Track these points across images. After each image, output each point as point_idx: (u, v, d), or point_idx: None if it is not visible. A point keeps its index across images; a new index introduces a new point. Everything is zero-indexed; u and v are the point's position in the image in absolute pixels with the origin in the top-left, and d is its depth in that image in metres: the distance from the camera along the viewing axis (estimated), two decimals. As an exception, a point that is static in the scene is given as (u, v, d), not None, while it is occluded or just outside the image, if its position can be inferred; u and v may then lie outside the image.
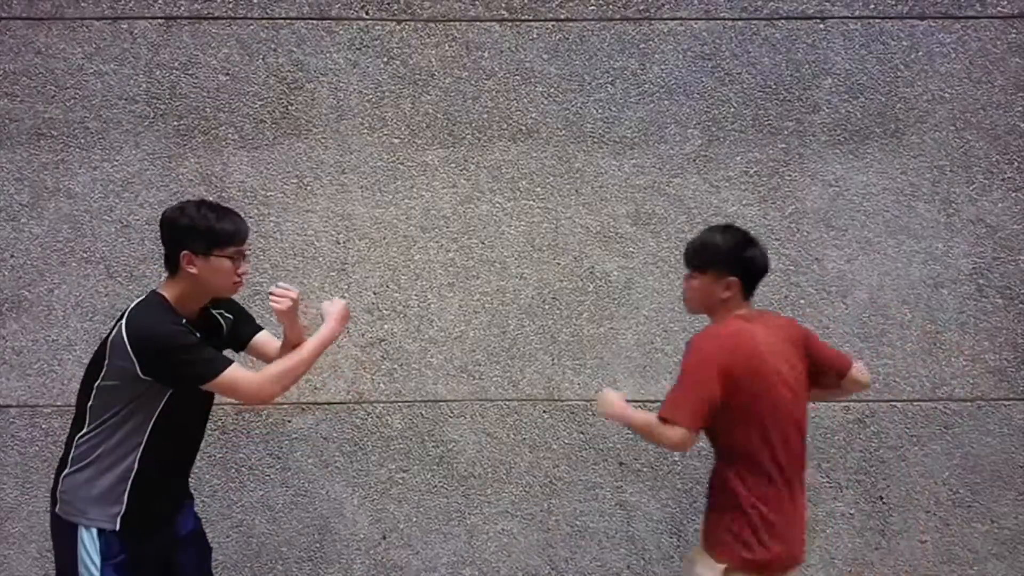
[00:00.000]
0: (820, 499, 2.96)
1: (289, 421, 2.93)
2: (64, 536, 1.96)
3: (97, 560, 1.92)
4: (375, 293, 2.94)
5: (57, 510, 1.97)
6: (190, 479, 2.18)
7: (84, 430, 1.94)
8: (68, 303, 2.89)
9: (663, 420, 1.98)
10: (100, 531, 1.93)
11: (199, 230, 1.91)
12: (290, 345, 2.11)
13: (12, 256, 2.89)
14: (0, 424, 2.89)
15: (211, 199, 2.01)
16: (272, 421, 2.92)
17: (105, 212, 2.89)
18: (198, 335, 1.96)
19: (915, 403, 2.96)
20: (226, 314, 2.16)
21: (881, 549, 2.98)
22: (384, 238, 2.94)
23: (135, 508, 1.94)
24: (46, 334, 2.89)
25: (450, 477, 2.95)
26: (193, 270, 1.93)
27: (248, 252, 2.02)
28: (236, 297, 2.14)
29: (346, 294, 2.93)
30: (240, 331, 2.21)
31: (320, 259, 2.93)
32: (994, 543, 2.98)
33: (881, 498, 2.97)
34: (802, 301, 2.95)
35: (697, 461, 2.96)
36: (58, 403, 2.88)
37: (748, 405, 1.97)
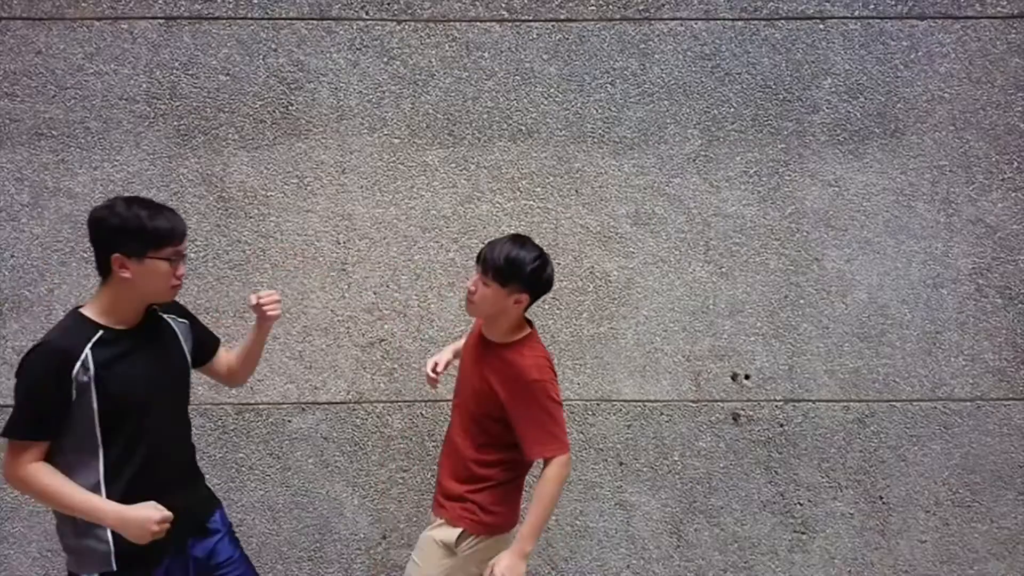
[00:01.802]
0: (820, 499, 2.97)
1: (289, 421, 2.93)
2: None
3: None
4: (375, 293, 2.94)
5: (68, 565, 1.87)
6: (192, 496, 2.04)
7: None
8: (68, 303, 2.89)
9: (553, 458, 2.07)
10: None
11: (131, 230, 1.76)
12: (250, 349, 2.10)
13: (12, 256, 2.89)
14: (0, 424, 2.88)
15: (142, 197, 1.86)
16: (272, 421, 2.92)
17: (105, 212, 2.89)
18: (65, 390, 1.75)
19: (915, 403, 2.96)
20: (179, 319, 2.04)
21: (881, 549, 2.98)
22: (384, 238, 2.94)
23: (124, 543, 1.80)
24: (46, 334, 2.89)
25: (450, 477, 2.95)
26: (126, 274, 1.79)
27: (186, 252, 1.88)
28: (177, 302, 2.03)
29: (346, 294, 2.93)
30: (204, 343, 2.12)
31: (320, 259, 2.93)
32: (994, 543, 2.98)
33: (881, 498, 2.97)
34: (802, 301, 2.96)
35: (697, 461, 2.97)
36: (58, 403, 2.88)
37: None
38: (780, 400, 2.96)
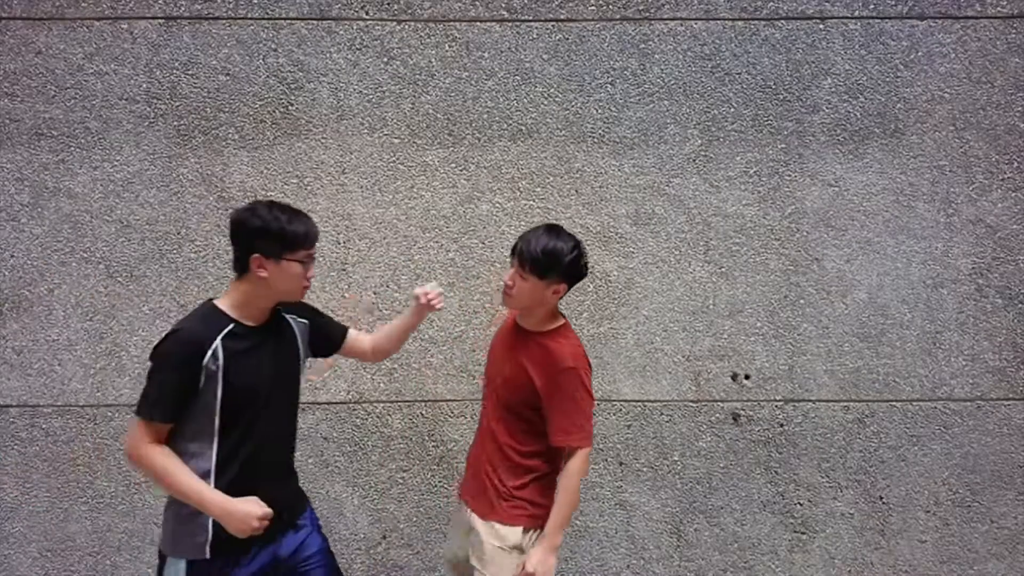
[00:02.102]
0: (820, 499, 2.97)
1: (289, 421, 2.93)
2: (158, 566, 1.93)
3: None
4: (375, 293, 2.94)
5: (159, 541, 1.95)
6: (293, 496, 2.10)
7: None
8: (68, 303, 2.89)
9: (576, 450, 2.09)
10: (190, 563, 1.88)
11: (271, 233, 1.86)
12: (404, 330, 2.25)
13: (12, 256, 2.89)
14: (0, 424, 2.89)
15: (281, 202, 1.95)
16: (272, 421, 2.92)
17: (105, 212, 2.89)
18: (193, 376, 1.84)
19: (915, 403, 2.96)
20: (299, 319, 2.10)
21: (881, 549, 2.98)
22: (384, 238, 2.94)
23: (223, 534, 1.86)
24: (46, 334, 2.89)
25: (450, 477, 2.95)
26: (263, 274, 1.89)
27: (315, 255, 1.98)
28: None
29: (346, 294, 2.93)
30: (329, 335, 2.20)
31: (320, 259, 2.93)
32: (994, 543, 2.98)
33: (881, 498, 2.97)
34: (802, 301, 2.95)
35: (697, 461, 2.97)
36: (58, 403, 2.88)
37: None
38: (780, 400, 2.96)
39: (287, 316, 2.06)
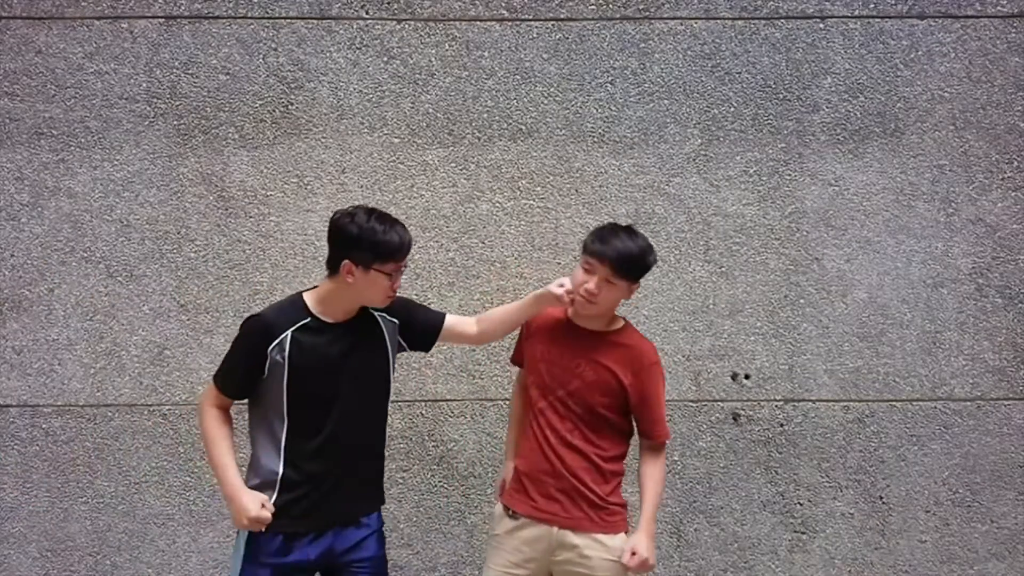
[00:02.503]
0: (820, 499, 2.96)
1: (289, 421, 2.93)
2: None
3: (239, 563, 2.00)
4: (375, 293, 2.93)
5: None
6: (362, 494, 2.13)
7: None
8: (68, 303, 2.89)
9: (663, 442, 2.22)
10: (250, 535, 1.98)
11: (365, 242, 1.90)
12: (517, 318, 2.21)
13: (12, 256, 2.89)
14: (0, 424, 2.89)
15: (380, 211, 1.99)
16: (272, 421, 2.92)
17: (105, 212, 2.89)
18: (258, 361, 1.95)
19: (915, 403, 2.96)
20: (389, 318, 2.12)
21: (881, 549, 2.98)
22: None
23: (278, 513, 1.95)
24: (46, 334, 2.89)
25: (450, 477, 2.95)
26: (351, 279, 1.94)
27: (405, 267, 2.02)
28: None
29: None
30: (425, 329, 2.19)
31: (320, 259, 2.90)
32: (994, 543, 2.98)
33: (881, 498, 2.97)
34: (802, 301, 2.95)
35: (697, 461, 2.97)
36: (58, 403, 2.88)
37: None
38: (780, 400, 2.96)
39: (377, 314, 2.09)
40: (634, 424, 2.20)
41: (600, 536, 2.10)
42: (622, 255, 2.04)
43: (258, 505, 1.93)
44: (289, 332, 1.94)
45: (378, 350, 2.09)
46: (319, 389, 1.96)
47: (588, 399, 2.11)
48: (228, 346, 2.05)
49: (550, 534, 2.11)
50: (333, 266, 1.97)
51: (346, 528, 2.06)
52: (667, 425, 2.19)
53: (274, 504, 1.96)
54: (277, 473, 1.98)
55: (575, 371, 2.12)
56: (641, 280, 2.15)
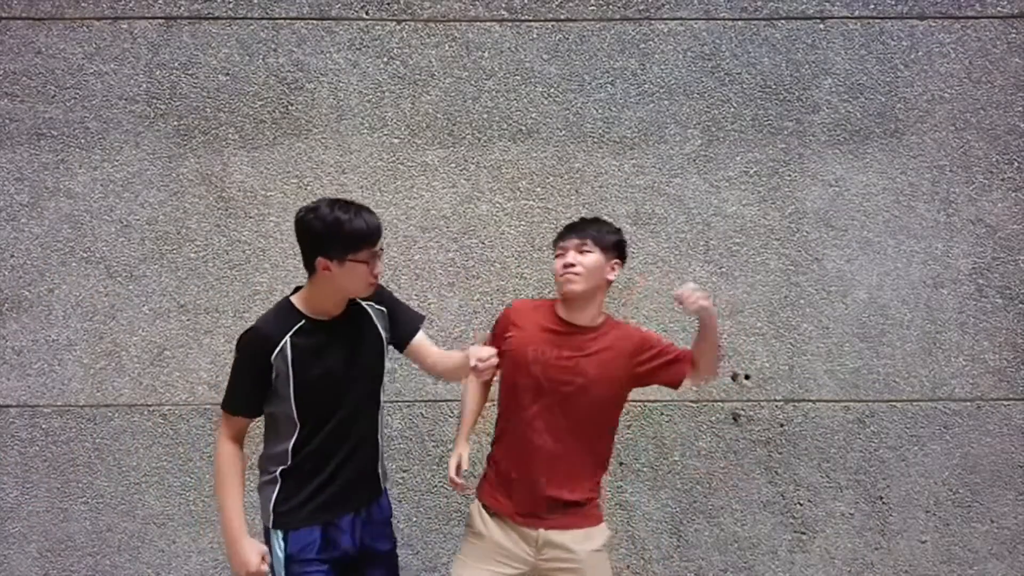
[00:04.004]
0: (820, 499, 2.97)
1: (289, 421, 2.93)
2: (264, 537, 2.05)
3: (281, 556, 1.99)
4: (375, 293, 2.94)
5: None
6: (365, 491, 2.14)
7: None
8: (68, 303, 2.89)
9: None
10: (286, 532, 2.00)
11: (333, 235, 1.87)
12: (458, 373, 2.15)
13: (12, 256, 2.89)
14: (0, 424, 2.89)
15: (344, 200, 1.95)
16: (272, 421, 2.92)
17: (105, 212, 2.89)
18: (264, 372, 1.94)
19: (915, 403, 2.96)
20: (376, 306, 2.13)
21: (881, 549, 2.98)
22: (384, 238, 2.93)
23: (284, 509, 1.99)
24: (46, 334, 2.89)
25: (450, 477, 2.95)
26: (329, 275, 1.92)
27: (381, 251, 1.99)
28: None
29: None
30: (406, 321, 2.19)
31: (320, 259, 2.93)
32: (994, 543, 2.98)
33: (881, 498, 2.97)
34: (802, 301, 2.95)
35: (697, 461, 2.97)
36: (58, 403, 2.88)
37: None
38: (780, 400, 2.96)
39: (365, 304, 2.10)
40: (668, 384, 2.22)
41: (590, 529, 2.15)
42: (584, 221, 2.19)
43: (259, 559, 1.94)
44: (287, 338, 1.93)
45: (371, 336, 2.09)
46: (324, 388, 1.97)
47: (591, 394, 2.12)
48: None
49: (536, 536, 2.13)
50: (309, 266, 1.93)
51: (371, 504, 2.12)
52: (684, 350, 2.20)
53: (296, 499, 1.99)
54: (288, 466, 2.00)
55: (574, 373, 2.12)
56: (621, 259, 2.21)
